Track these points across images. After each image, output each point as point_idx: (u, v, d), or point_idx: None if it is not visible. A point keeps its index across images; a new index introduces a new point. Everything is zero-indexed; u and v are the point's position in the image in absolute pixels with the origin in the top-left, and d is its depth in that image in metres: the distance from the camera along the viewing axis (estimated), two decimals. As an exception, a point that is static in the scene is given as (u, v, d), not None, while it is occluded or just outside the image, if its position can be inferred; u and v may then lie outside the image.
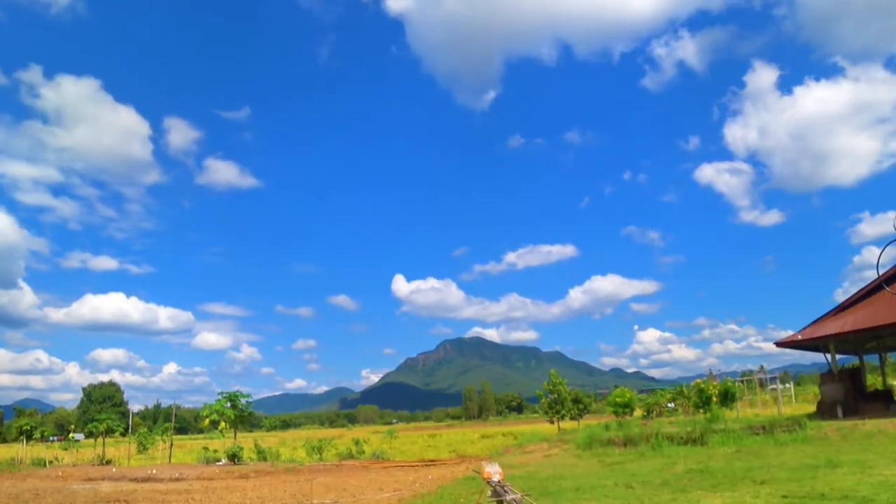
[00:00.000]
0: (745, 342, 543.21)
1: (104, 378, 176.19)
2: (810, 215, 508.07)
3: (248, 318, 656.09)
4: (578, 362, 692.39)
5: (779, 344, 28.05)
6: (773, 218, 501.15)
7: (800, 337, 26.26)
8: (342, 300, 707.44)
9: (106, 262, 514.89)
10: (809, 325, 26.89)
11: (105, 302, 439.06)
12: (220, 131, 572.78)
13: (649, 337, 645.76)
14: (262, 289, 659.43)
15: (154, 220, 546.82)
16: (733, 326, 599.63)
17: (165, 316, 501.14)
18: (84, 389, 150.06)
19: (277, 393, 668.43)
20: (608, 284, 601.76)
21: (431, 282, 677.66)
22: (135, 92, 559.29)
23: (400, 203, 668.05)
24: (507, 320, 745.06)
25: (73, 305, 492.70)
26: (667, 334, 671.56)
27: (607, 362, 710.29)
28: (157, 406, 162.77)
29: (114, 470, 31.38)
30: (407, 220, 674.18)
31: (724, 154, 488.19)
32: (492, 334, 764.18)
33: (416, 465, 27.32)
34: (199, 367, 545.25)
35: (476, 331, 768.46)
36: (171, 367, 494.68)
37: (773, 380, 40.18)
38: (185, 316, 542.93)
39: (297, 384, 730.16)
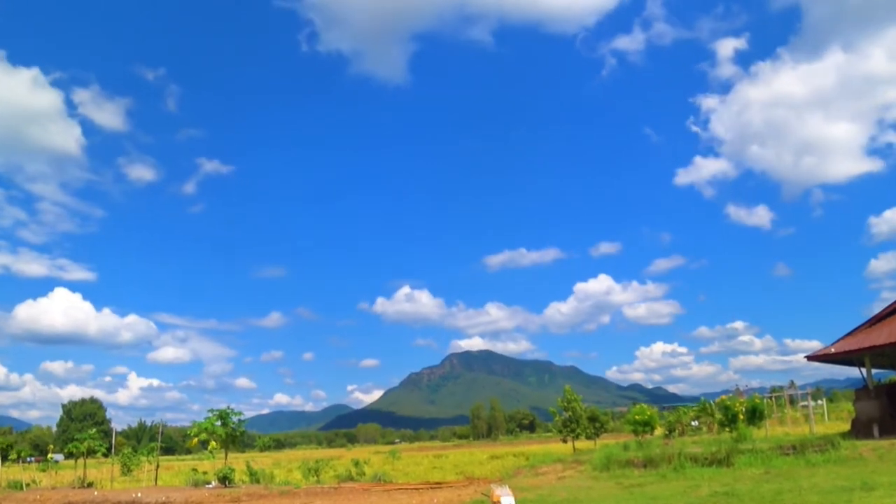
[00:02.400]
0: (764, 355, 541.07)
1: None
2: (815, 215, 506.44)
3: (215, 331, 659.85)
4: (595, 377, 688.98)
5: (810, 358, 27.96)
6: (771, 217, 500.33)
7: (833, 350, 26.17)
8: (310, 312, 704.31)
9: (37, 269, 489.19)
10: (843, 338, 26.77)
11: (54, 312, 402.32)
12: (146, 121, 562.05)
13: (662, 351, 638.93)
14: (228, 298, 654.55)
15: (79, 221, 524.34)
16: (749, 337, 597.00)
17: (124, 326, 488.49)
18: (64, 406, 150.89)
19: (267, 411, 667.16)
20: (609, 294, 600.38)
21: (410, 291, 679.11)
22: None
23: (392, 209, 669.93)
24: (504, 330, 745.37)
25: (12, 313, 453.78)
26: (670, 347, 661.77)
27: (624, 378, 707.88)
28: (142, 425, 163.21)
29: (95, 493, 31.42)
30: (394, 227, 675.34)
31: (715, 149, 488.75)
32: (502, 347, 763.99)
33: (421, 488, 27.30)
34: (166, 382, 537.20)
35: (485, 344, 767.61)
36: (135, 383, 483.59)
37: (804, 396, 40.11)
38: (145, 325, 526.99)
39: (290, 401, 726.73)
